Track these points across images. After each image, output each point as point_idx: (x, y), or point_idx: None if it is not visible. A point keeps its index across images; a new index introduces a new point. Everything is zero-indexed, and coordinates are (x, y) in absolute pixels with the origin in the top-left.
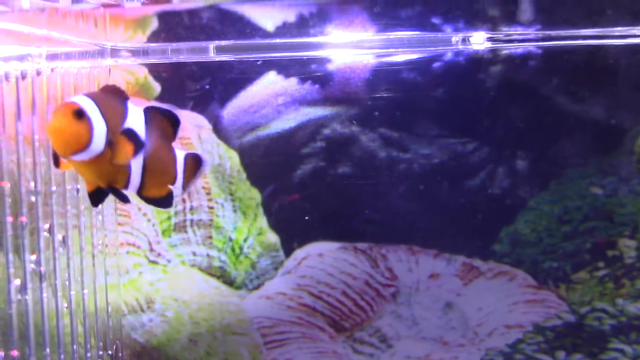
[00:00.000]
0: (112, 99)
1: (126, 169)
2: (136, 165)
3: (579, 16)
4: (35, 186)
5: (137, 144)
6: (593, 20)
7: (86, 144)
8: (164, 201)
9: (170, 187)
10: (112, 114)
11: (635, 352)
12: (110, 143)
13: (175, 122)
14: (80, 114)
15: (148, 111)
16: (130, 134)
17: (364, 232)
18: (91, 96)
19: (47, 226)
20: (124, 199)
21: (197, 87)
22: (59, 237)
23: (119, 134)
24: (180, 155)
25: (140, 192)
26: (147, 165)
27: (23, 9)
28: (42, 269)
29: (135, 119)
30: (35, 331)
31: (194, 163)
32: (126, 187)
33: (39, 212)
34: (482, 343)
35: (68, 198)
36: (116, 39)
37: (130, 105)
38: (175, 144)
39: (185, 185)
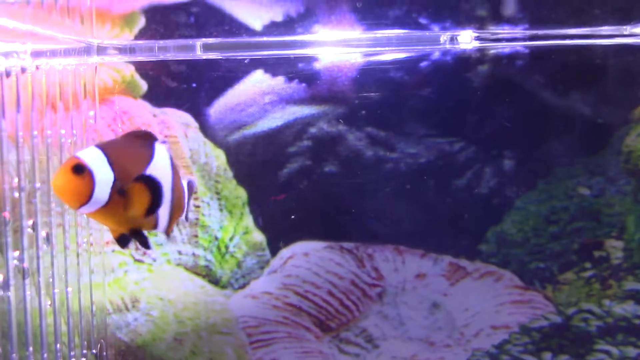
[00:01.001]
0: (134, 144)
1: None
2: (165, 205)
3: (565, 15)
4: (20, 183)
5: (155, 192)
6: (580, 20)
7: (87, 198)
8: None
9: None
10: (127, 161)
11: (621, 354)
12: (122, 192)
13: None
14: (80, 169)
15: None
16: (149, 181)
17: (350, 232)
18: (103, 146)
19: (30, 222)
20: (146, 245)
21: (183, 85)
22: (42, 234)
23: (133, 181)
24: (184, 184)
25: (167, 231)
26: (174, 202)
27: (7, 1)
28: (26, 265)
29: (161, 160)
30: (18, 330)
31: (191, 189)
32: (156, 228)
33: (23, 209)
34: (468, 343)
35: (52, 196)
36: (103, 37)
37: (157, 146)
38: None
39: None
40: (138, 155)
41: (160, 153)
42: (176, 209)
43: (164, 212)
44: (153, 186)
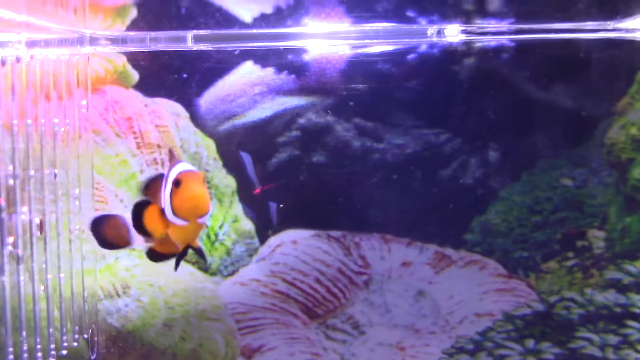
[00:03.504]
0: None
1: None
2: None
3: (551, 9)
4: (14, 170)
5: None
6: (565, 14)
7: (209, 209)
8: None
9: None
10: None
11: (602, 341)
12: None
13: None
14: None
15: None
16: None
17: (338, 221)
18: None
19: (25, 209)
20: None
21: (174, 76)
22: (36, 220)
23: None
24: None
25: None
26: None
27: None
28: (20, 251)
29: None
30: (12, 315)
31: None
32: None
33: (17, 195)
34: (452, 330)
35: (46, 183)
36: (95, 27)
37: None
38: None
39: None
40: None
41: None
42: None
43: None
44: None
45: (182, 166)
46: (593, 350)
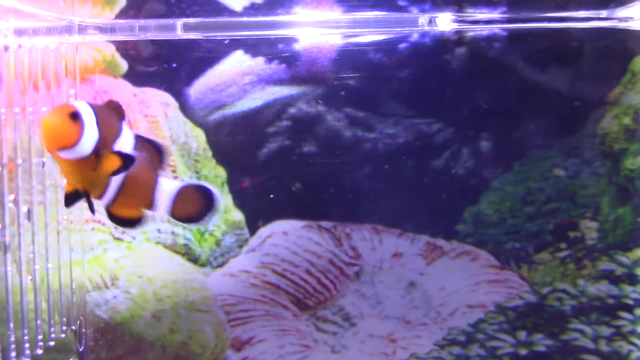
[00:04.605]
0: (112, 115)
1: (106, 181)
2: (115, 181)
3: None
4: (1, 159)
5: (126, 162)
6: (558, 2)
7: (73, 144)
8: (130, 223)
9: (146, 211)
10: (107, 128)
11: (595, 332)
12: (98, 153)
13: (162, 154)
14: (75, 117)
15: (138, 138)
16: (124, 155)
17: (329, 211)
18: (93, 106)
19: (12, 197)
20: (92, 210)
21: (164, 65)
22: (24, 209)
23: (110, 150)
24: (170, 185)
25: (109, 207)
26: (125, 184)
27: None
28: (7, 239)
29: (126, 139)
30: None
31: (196, 194)
32: (100, 198)
33: (4, 185)
34: (444, 322)
35: (34, 173)
36: (84, 15)
37: (124, 126)
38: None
39: (175, 214)
40: (113, 127)
41: (126, 132)
42: (133, 196)
43: (113, 187)
44: (125, 158)
45: (78, 104)
46: (585, 342)
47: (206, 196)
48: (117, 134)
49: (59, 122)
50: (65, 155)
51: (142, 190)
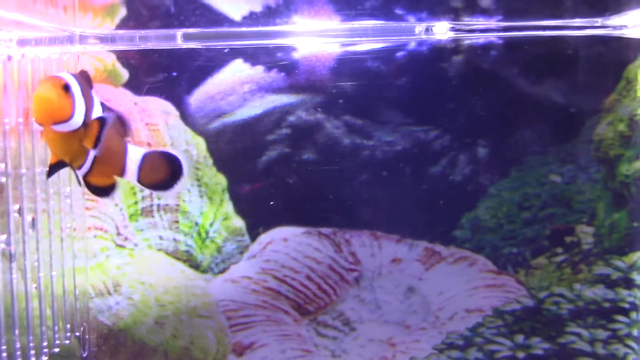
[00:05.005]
0: (87, 84)
1: (86, 152)
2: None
3: (539, 6)
4: (6, 168)
5: (102, 132)
6: (554, 11)
7: (68, 117)
8: (105, 190)
9: (117, 178)
10: (88, 98)
11: (591, 336)
12: (85, 124)
13: (125, 122)
14: (67, 89)
15: (103, 106)
16: (102, 122)
17: (328, 217)
18: (75, 77)
19: (16, 207)
20: (80, 181)
21: (164, 74)
22: (28, 218)
23: (92, 119)
24: (136, 152)
25: (85, 177)
26: (99, 153)
27: None
28: (12, 249)
29: (98, 108)
30: (5, 313)
31: (161, 160)
32: (79, 168)
33: (9, 194)
34: (443, 327)
35: (37, 182)
36: (85, 26)
37: (94, 94)
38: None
39: (143, 181)
40: (90, 98)
41: (97, 103)
42: (105, 164)
43: (88, 160)
44: (104, 129)
45: (65, 76)
46: (582, 345)
47: (172, 163)
48: (92, 103)
49: (54, 96)
50: (59, 128)
51: (114, 157)
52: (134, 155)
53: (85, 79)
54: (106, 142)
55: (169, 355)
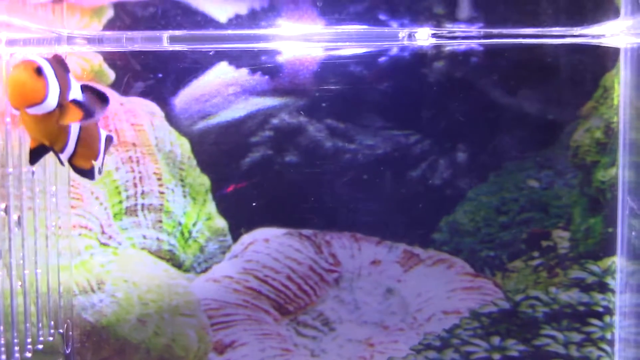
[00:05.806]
0: (61, 68)
1: (66, 134)
2: (73, 133)
3: (519, 15)
4: None
5: (87, 112)
6: (533, 20)
7: (41, 99)
8: (89, 173)
9: (93, 162)
10: (62, 80)
11: (566, 338)
12: (60, 106)
13: (104, 101)
14: (39, 71)
15: (85, 88)
16: (81, 103)
17: (309, 219)
18: (49, 60)
19: (3, 206)
20: (62, 162)
21: (150, 76)
22: (14, 217)
23: (69, 100)
24: (103, 134)
25: (71, 160)
26: (81, 136)
27: None
28: None
29: (76, 89)
30: None
31: (108, 142)
32: (62, 151)
33: None
34: (420, 327)
35: (23, 181)
36: (72, 27)
37: (71, 77)
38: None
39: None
40: (65, 79)
41: (75, 83)
42: (88, 147)
43: (72, 139)
44: (85, 108)
45: (37, 58)
46: (557, 348)
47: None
48: (68, 85)
49: (27, 79)
50: (33, 111)
51: (93, 140)
52: (103, 138)
53: (58, 63)
54: (89, 125)
55: (151, 353)
